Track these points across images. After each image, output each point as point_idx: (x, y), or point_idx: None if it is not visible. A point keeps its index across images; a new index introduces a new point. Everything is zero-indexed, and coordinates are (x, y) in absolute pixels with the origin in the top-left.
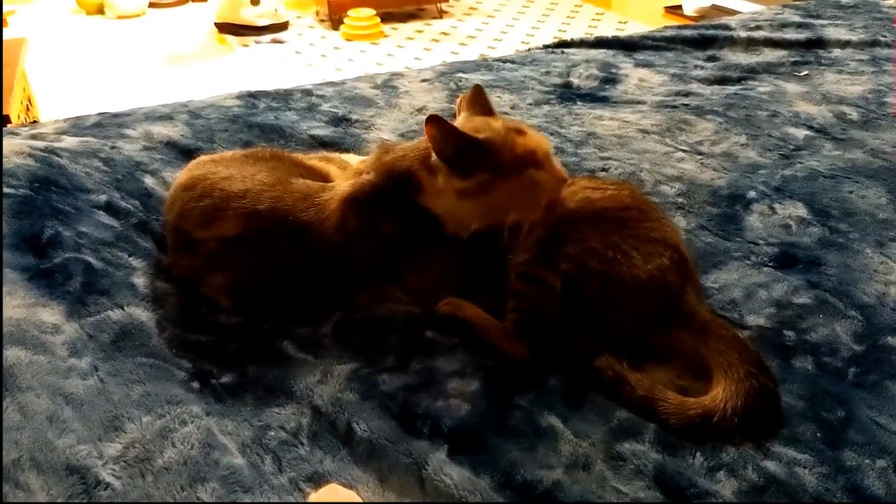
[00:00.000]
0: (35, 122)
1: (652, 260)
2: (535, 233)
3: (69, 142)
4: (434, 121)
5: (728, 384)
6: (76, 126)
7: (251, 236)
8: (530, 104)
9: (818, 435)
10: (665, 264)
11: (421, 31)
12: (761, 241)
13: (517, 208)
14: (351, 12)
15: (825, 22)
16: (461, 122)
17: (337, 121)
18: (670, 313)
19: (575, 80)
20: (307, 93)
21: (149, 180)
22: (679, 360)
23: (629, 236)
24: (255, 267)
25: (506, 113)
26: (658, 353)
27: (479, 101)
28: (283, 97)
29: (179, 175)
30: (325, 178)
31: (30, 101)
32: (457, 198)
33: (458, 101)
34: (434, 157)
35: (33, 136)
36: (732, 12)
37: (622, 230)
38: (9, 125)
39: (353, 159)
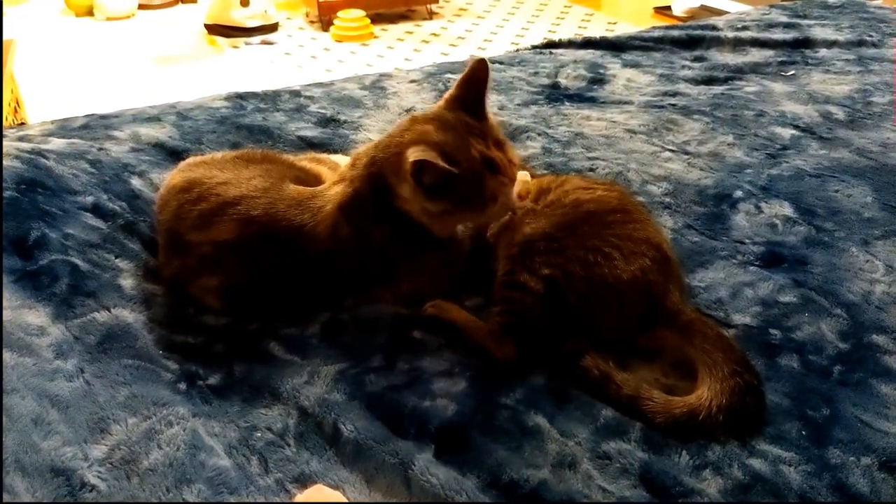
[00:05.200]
0: (23, 124)
1: (634, 260)
2: (517, 241)
3: (56, 143)
4: (420, 164)
5: (713, 382)
6: (63, 128)
7: (246, 242)
8: (518, 105)
9: (803, 433)
10: (647, 264)
11: (411, 33)
12: (747, 241)
13: (476, 226)
14: (341, 13)
15: (812, 22)
16: (443, 103)
17: (325, 122)
18: (654, 312)
19: (563, 81)
20: (295, 94)
21: (136, 182)
22: (665, 359)
23: (611, 237)
24: (249, 271)
25: (493, 114)
26: (644, 351)
27: (477, 84)
28: (271, 98)
29: (171, 176)
30: (317, 179)
31: (18, 102)
32: (427, 214)
33: None
34: (404, 171)
35: (20, 138)
36: (721, 13)
37: (604, 232)
38: None
39: (343, 160)
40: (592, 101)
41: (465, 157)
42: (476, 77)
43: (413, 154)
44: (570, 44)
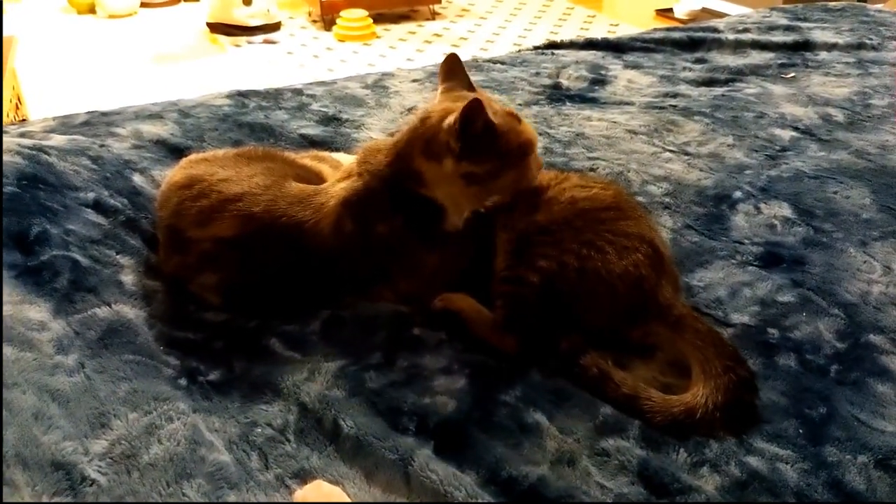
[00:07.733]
0: (24, 120)
1: (626, 255)
2: (515, 236)
3: (58, 140)
4: (478, 104)
5: (708, 380)
6: (65, 124)
7: (247, 238)
8: (520, 105)
9: (800, 431)
10: (640, 259)
11: (413, 33)
12: (746, 241)
13: (508, 191)
14: (343, 13)
15: (812, 25)
16: (443, 94)
17: (327, 120)
18: (646, 306)
19: (564, 81)
20: (297, 92)
21: (137, 178)
22: (662, 358)
23: (605, 233)
24: (249, 268)
25: None
26: (639, 347)
27: (456, 72)
28: (273, 97)
29: (172, 173)
30: (318, 177)
31: (19, 99)
32: (463, 183)
33: None
34: (442, 141)
35: (21, 134)
36: (723, 15)
37: (598, 227)
38: None
39: (344, 158)
40: (593, 101)
41: (494, 111)
42: (452, 66)
43: (456, 112)
44: (572, 44)
